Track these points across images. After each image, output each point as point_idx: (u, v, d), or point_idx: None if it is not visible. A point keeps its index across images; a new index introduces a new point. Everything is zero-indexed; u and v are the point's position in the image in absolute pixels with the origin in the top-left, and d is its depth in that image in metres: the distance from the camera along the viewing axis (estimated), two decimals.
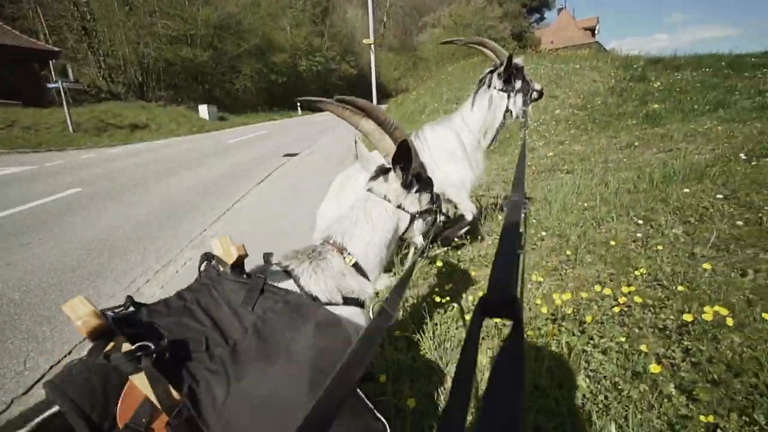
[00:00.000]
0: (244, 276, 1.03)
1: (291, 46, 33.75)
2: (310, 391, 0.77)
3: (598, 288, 2.11)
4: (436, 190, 1.56)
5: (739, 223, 2.32)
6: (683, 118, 5.75)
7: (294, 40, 34.41)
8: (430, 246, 2.87)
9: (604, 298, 2.05)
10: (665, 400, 1.51)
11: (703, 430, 1.36)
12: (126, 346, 0.72)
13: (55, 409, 0.69)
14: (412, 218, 1.48)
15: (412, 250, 2.92)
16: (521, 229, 0.78)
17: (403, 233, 1.50)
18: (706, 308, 1.68)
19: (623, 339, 1.76)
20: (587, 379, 1.65)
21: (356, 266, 1.31)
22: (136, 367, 0.70)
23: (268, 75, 31.18)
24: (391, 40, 49.21)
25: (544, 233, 2.99)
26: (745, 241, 2.18)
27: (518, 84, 2.68)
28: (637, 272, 2.12)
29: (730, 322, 1.65)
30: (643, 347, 1.66)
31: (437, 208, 1.56)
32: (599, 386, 1.61)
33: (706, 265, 1.98)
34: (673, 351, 1.68)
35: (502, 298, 0.51)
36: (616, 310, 1.84)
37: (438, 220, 1.60)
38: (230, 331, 0.86)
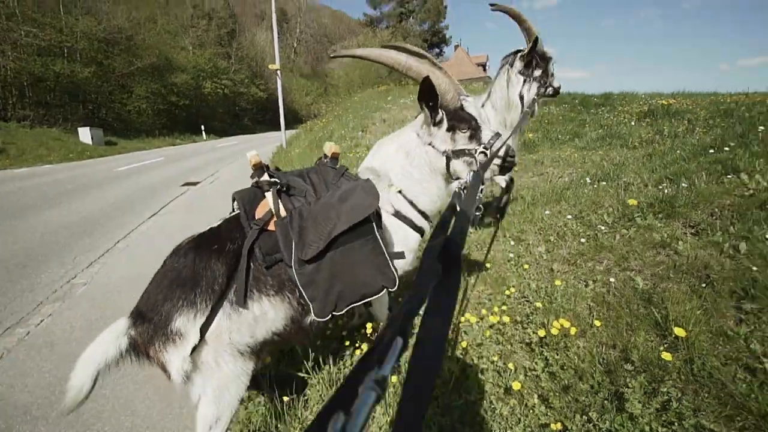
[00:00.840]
0: (336, 166, 1.67)
1: (194, 67, 31.70)
2: (347, 219, 1.39)
3: (484, 311, 2.29)
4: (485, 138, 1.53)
5: (583, 240, 2.76)
6: (551, 146, 6.75)
7: (197, 60, 32.42)
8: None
9: (483, 318, 2.23)
10: (530, 411, 1.68)
11: None
12: (265, 179, 1.47)
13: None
14: (448, 158, 1.59)
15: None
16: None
17: (447, 173, 1.63)
18: (554, 322, 1.92)
19: (497, 358, 1.92)
20: (465, 404, 1.75)
21: (403, 195, 1.72)
22: (268, 190, 1.45)
23: (167, 96, 28.67)
24: (302, 66, 49.54)
25: None
26: (587, 256, 2.59)
27: (537, 73, 2.55)
28: (508, 291, 2.36)
29: (573, 331, 1.91)
30: (510, 365, 1.83)
31: (484, 151, 1.50)
32: (476, 407, 1.72)
33: (558, 281, 2.29)
34: (536, 363, 1.89)
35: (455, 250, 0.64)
36: (487, 333, 2.00)
37: (480, 164, 1.46)
38: (320, 192, 1.54)
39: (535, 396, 1.73)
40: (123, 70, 25.33)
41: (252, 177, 1.51)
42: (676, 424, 1.45)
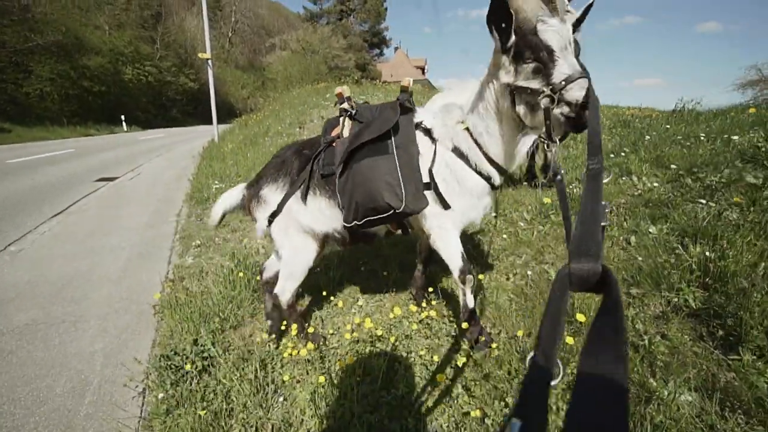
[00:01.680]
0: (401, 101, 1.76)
1: (111, 50, 28.36)
2: (366, 135, 1.70)
3: (413, 308, 2.34)
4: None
5: (505, 236, 2.96)
6: None
7: (114, 43, 29.07)
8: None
9: (412, 314, 2.29)
10: (454, 401, 1.75)
11: (476, 422, 1.61)
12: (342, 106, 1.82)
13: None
14: (512, 95, 1.35)
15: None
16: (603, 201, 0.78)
17: (516, 116, 1.39)
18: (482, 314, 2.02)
19: (424, 351, 1.98)
20: (394, 399, 1.78)
21: (470, 133, 1.63)
22: (345, 116, 1.81)
23: (78, 81, 25.29)
24: (238, 57, 46.88)
25: (366, 258, 3.19)
26: (508, 251, 2.78)
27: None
28: (440, 285, 2.45)
29: (494, 322, 2.04)
30: (435, 357, 1.89)
31: (550, 94, 1.17)
32: (404, 402, 1.75)
33: (481, 276, 2.43)
34: (461, 354, 1.98)
35: (592, 271, 0.45)
36: (414, 327, 2.05)
37: (546, 106, 1.19)
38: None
39: (459, 386, 1.81)
40: (17, 45, 21.86)
41: (334, 105, 1.95)
42: None
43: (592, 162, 0.76)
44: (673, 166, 3.12)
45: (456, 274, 1.89)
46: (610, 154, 4.01)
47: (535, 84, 1.24)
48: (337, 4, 35.45)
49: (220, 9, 48.58)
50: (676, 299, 1.93)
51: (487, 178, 1.68)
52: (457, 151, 1.69)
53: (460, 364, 1.87)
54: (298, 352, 1.99)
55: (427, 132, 1.79)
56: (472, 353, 1.86)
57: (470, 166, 1.67)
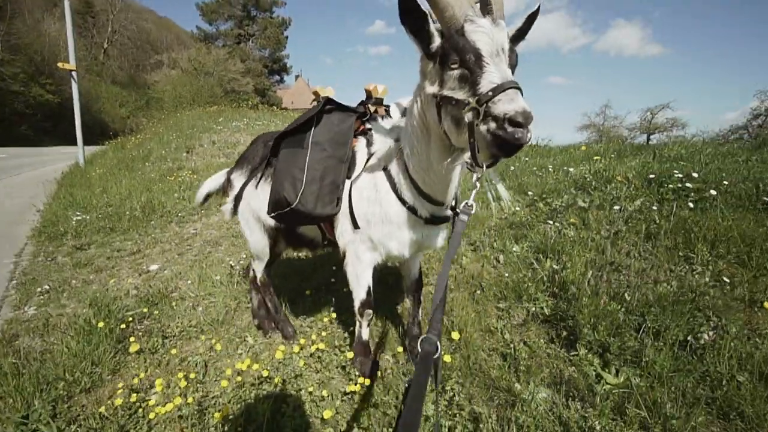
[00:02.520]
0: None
1: None
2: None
3: (303, 341, 2.25)
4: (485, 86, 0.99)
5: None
6: None
7: None
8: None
9: (303, 348, 2.20)
10: None
11: None
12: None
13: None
14: (438, 105, 1.16)
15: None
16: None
17: (444, 134, 1.20)
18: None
19: (313, 387, 1.90)
20: None
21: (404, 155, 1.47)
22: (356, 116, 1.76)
23: None
24: (116, 72, 41.53)
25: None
26: (395, 274, 2.92)
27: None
28: (326, 318, 2.42)
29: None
30: (325, 392, 1.84)
31: (476, 107, 0.99)
32: None
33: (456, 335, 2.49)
34: (350, 385, 1.96)
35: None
36: (301, 363, 1.98)
37: (470, 120, 1.01)
38: None
39: (347, 419, 1.78)
40: None
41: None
42: (458, 415, 1.72)
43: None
44: (530, 193, 3.72)
45: (356, 304, 1.86)
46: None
47: (460, 94, 1.07)
48: (235, 28, 34.30)
49: (92, 16, 42.75)
50: (533, 308, 2.24)
51: (411, 209, 1.51)
52: (387, 172, 1.55)
53: (348, 394, 1.85)
54: (167, 406, 1.73)
55: (369, 143, 1.69)
56: (359, 382, 1.85)
57: (395, 191, 1.53)
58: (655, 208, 2.83)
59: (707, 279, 2.10)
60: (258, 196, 2.04)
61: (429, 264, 3.01)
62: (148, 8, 55.94)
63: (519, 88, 0.98)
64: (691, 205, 2.73)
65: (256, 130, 10.05)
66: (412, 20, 1.09)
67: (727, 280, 2.07)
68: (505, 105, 0.94)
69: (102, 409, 1.83)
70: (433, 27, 1.11)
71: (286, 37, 36.28)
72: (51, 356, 2.27)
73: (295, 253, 3.55)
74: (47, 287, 3.49)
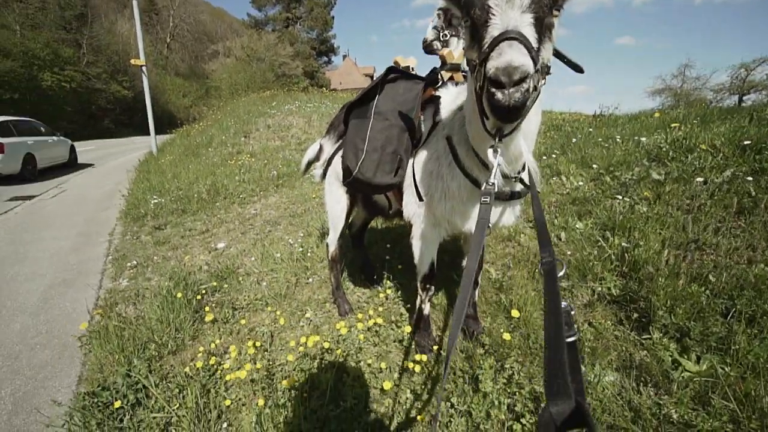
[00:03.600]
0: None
1: (24, 52, 25.56)
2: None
3: (360, 315, 2.33)
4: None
5: None
6: None
7: (28, 44, 26.24)
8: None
9: (361, 322, 2.28)
10: (402, 407, 1.77)
11: (423, 426, 1.63)
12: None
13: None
14: (473, 69, 1.01)
15: None
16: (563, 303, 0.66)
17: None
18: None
19: (372, 360, 1.98)
20: (343, 412, 1.75)
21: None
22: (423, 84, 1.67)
23: None
24: (178, 64, 44.45)
25: (309, 270, 3.14)
26: (450, 251, 2.88)
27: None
28: (381, 295, 2.47)
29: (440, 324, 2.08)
30: (383, 364, 1.90)
31: (478, 63, 0.92)
32: (353, 413, 1.73)
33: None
34: (408, 360, 2.00)
35: (566, 413, 0.49)
36: (361, 337, 2.05)
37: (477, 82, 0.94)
38: None
39: (408, 391, 1.83)
40: None
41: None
42: (517, 393, 1.69)
43: (544, 255, 0.73)
44: (594, 166, 3.43)
45: (419, 279, 1.86)
46: (542, 156, 4.30)
47: (473, 54, 0.98)
48: (283, 12, 34.90)
49: (156, 13, 45.82)
50: (600, 288, 2.10)
51: (475, 182, 1.40)
52: (450, 142, 1.44)
53: (408, 368, 1.90)
54: (239, 372, 1.90)
55: (436, 112, 1.59)
56: (418, 357, 1.88)
57: (457, 163, 1.43)
58: (750, 178, 2.47)
59: None
60: (340, 162, 2.08)
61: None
62: (203, 0, 58.58)
63: (515, 38, 0.84)
64: None
65: (307, 111, 10.30)
66: None
67: None
68: (491, 62, 0.84)
69: (186, 369, 2.06)
70: None
71: (332, 18, 36.20)
72: (143, 321, 2.58)
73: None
74: (135, 262, 3.94)
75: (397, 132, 1.63)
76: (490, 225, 1.48)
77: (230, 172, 6.87)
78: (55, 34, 29.95)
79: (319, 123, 9.24)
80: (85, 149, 17.32)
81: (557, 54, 1.05)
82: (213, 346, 2.27)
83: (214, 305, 2.80)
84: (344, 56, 44.95)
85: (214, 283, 3.05)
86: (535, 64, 0.85)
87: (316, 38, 36.11)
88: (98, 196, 7.36)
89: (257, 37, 27.67)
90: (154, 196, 6.15)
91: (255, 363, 2.05)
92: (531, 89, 0.85)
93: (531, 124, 1.18)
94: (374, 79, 1.84)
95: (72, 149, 11.43)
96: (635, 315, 1.87)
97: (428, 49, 2.65)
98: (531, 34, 0.88)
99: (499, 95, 0.84)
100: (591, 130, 4.81)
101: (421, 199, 1.61)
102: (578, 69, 1.09)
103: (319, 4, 35.28)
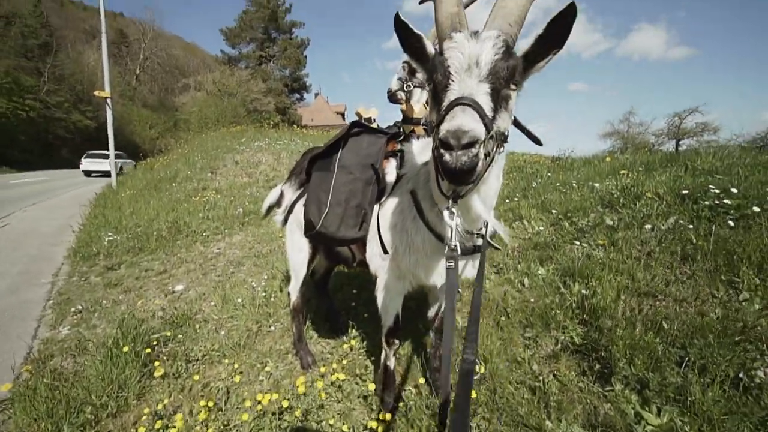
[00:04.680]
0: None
1: None
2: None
3: (323, 368, 2.22)
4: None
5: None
6: None
7: None
8: None
9: (324, 376, 2.17)
10: None
11: None
12: None
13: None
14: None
15: None
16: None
17: None
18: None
19: (334, 420, 1.86)
20: None
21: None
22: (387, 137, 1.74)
23: None
24: (146, 96, 43.84)
25: (272, 317, 3.01)
26: (416, 299, 2.86)
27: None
28: (346, 345, 2.38)
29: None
30: (345, 427, 1.79)
31: (434, 126, 0.97)
32: None
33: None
34: (371, 418, 1.90)
35: None
36: (322, 396, 1.94)
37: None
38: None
39: None
40: None
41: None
42: None
43: (468, 353, 0.79)
44: (554, 211, 3.60)
45: (383, 332, 1.80)
46: (506, 199, 4.48)
47: (433, 116, 1.04)
48: (257, 50, 35.70)
49: (126, 45, 45.59)
50: (563, 337, 2.13)
51: (439, 237, 1.39)
52: (414, 196, 1.44)
53: (369, 429, 1.79)
54: None
55: (400, 165, 1.61)
56: (381, 418, 1.79)
57: (421, 216, 1.42)
58: (690, 226, 2.67)
59: (756, 306, 1.94)
60: (302, 212, 2.07)
61: None
62: (176, 35, 59.13)
63: (468, 104, 0.90)
64: (731, 223, 2.55)
65: (276, 149, 10.30)
66: (410, 43, 1.08)
67: None
68: (443, 125, 0.89)
69: None
70: (430, 48, 1.07)
71: (306, 57, 37.39)
72: (81, 378, 2.32)
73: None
74: (80, 307, 3.62)
75: (361, 185, 1.64)
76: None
77: (194, 208, 6.64)
78: (14, 60, 28.92)
79: (288, 160, 9.24)
80: (36, 179, 16.27)
81: (518, 125, 1.12)
82: (161, 406, 2.06)
83: (165, 357, 2.59)
84: (316, 94, 46.13)
85: (168, 333, 2.83)
86: (488, 131, 0.89)
87: (289, 76, 36.98)
88: (48, 230, 6.84)
89: (230, 73, 27.95)
90: (110, 233, 5.80)
91: (207, 427, 1.87)
92: (481, 154, 0.89)
93: (490, 189, 1.20)
94: (339, 132, 1.87)
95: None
96: (597, 366, 1.90)
97: (392, 98, 2.78)
98: (486, 103, 0.93)
99: (447, 157, 0.88)
100: (550, 174, 5.10)
101: (386, 251, 1.60)
102: (537, 142, 1.16)
103: (293, 44, 36.48)
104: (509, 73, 0.98)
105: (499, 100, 0.97)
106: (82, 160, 19.00)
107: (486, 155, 0.91)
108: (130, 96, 40.66)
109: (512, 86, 0.99)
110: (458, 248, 1.05)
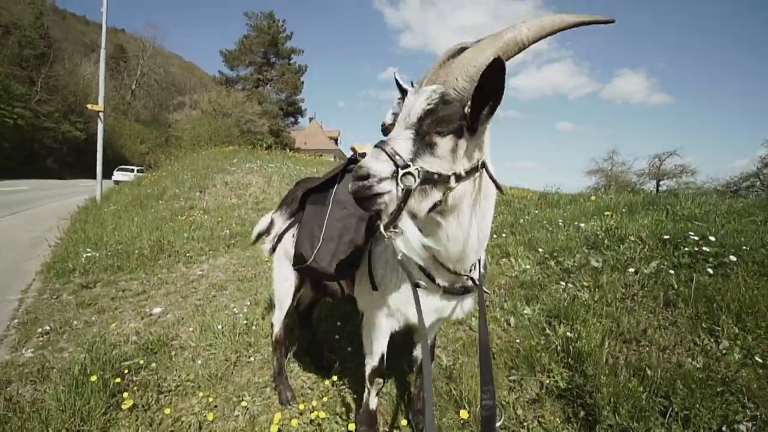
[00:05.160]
0: None
1: None
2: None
3: (302, 405, 2.13)
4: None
5: None
6: None
7: None
8: None
9: (302, 413, 2.08)
10: None
11: None
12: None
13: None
14: None
15: None
16: None
17: None
18: None
19: None
20: None
21: None
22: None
23: None
24: (140, 111, 43.89)
25: (252, 347, 2.92)
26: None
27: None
28: (327, 381, 2.30)
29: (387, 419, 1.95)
30: None
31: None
32: None
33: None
34: None
35: None
36: None
37: None
38: None
39: None
40: None
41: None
42: None
43: (485, 397, 0.85)
44: (540, 250, 3.64)
45: (367, 371, 1.75)
46: (494, 234, 4.53)
47: None
48: (254, 73, 36.45)
49: (125, 60, 46.01)
50: (548, 381, 2.10)
51: (429, 276, 1.41)
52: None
53: None
54: None
55: None
56: None
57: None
58: (672, 272, 2.73)
59: (737, 356, 1.97)
60: (292, 242, 2.05)
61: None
62: (175, 53, 60.08)
63: (380, 146, 1.07)
64: (710, 271, 2.62)
65: (268, 171, 10.30)
66: (403, 92, 1.25)
67: (760, 360, 1.93)
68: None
69: None
70: None
71: (302, 82, 38.28)
72: (39, 409, 2.17)
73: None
74: (48, 328, 3.44)
75: (355, 221, 1.65)
76: (444, 315, 1.51)
77: (179, 227, 6.51)
78: (7, 69, 28.83)
79: (279, 184, 9.23)
80: (17, 188, 15.83)
81: (479, 169, 1.18)
82: None
83: (136, 388, 2.45)
84: (311, 118, 46.91)
85: (141, 360, 2.70)
86: (397, 169, 1.02)
87: (285, 100, 37.66)
88: (23, 243, 6.59)
89: (226, 93, 28.33)
90: (88, 249, 5.61)
91: None
92: (381, 188, 1.03)
93: (460, 227, 1.23)
94: (335, 167, 1.89)
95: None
96: (582, 412, 1.87)
97: (386, 132, 2.86)
98: (405, 147, 1.06)
99: (350, 184, 1.06)
100: (537, 211, 5.20)
101: (375, 288, 1.59)
102: (498, 188, 1.22)
103: (291, 69, 37.41)
104: (436, 122, 1.08)
105: (423, 145, 1.08)
106: (114, 172, 22.57)
107: (405, 191, 1.03)
108: (123, 110, 40.67)
109: (438, 133, 1.08)
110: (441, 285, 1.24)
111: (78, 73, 38.11)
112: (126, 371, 2.55)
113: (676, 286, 2.58)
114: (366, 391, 1.83)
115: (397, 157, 1.03)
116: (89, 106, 10.55)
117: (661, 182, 28.20)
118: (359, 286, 1.72)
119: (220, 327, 3.16)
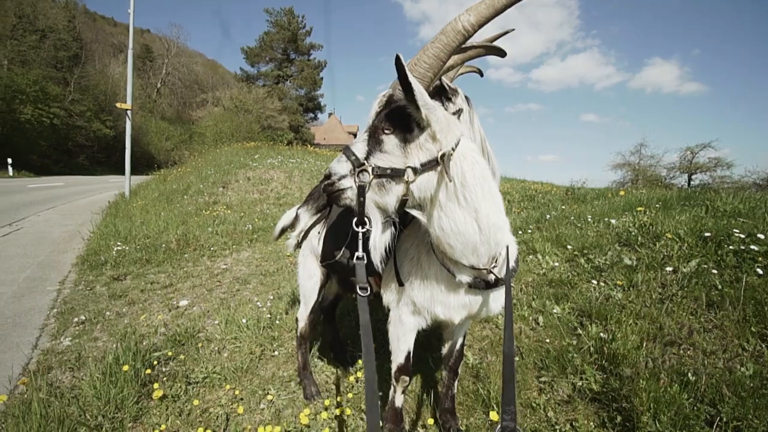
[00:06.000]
0: None
1: (7, 86, 25.36)
2: None
3: (327, 401, 2.13)
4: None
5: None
6: None
7: (14, 79, 26.14)
8: None
9: (327, 409, 2.07)
10: None
11: None
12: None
13: None
14: None
15: None
16: None
17: None
18: None
19: None
20: None
21: None
22: None
23: None
24: (165, 108, 45.19)
25: (276, 341, 2.93)
26: (426, 332, 2.77)
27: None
28: (352, 377, 2.29)
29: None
30: None
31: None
32: None
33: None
34: None
35: None
36: (327, 430, 1.85)
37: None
38: None
39: None
40: None
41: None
42: None
43: (506, 417, 0.88)
44: (569, 247, 3.51)
45: (393, 368, 1.73)
46: (519, 230, 4.41)
47: None
48: (275, 70, 36.87)
49: (151, 60, 47.40)
50: (580, 383, 2.02)
51: (450, 271, 1.39)
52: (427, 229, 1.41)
53: None
54: None
55: None
56: None
57: (434, 250, 1.41)
58: (715, 271, 2.57)
59: None
60: (318, 238, 2.10)
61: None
62: (198, 52, 61.44)
63: (342, 150, 1.26)
64: (759, 271, 2.45)
65: (289, 167, 10.41)
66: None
67: None
68: None
69: None
70: None
71: (322, 78, 38.46)
72: (78, 395, 2.25)
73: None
74: (83, 318, 3.58)
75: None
76: (473, 312, 1.47)
77: (204, 222, 6.67)
78: (44, 71, 30.18)
79: (300, 179, 9.31)
80: (53, 184, 16.61)
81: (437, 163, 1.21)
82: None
83: (165, 378, 2.51)
84: (330, 114, 47.19)
85: (169, 352, 2.77)
86: (354, 168, 1.20)
87: (305, 96, 37.95)
88: (58, 236, 6.90)
89: (247, 90, 28.77)
90: (119, 243, 5.82)
91: None
92: (343, 184, 1.23)
93: (446, 217, 1.24)
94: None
95: None
96: (618, 417, 1.78)
97: None
98: (361, 147, 1.23)
99: (322, 186, 1.29)
100: (563, 206, 5.03)
101: (401, 283, 1.56)
102: (449, 177, 1.20)
103: (310, 65, 37.63)
104: (381, 121, 1.22)
105: (375, 144, 1.22)
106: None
107: (360, 186, 1.19)
108: (149, 108, 41.95)
109: (385, 132, 1.21)
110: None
111: (107, 73, 39.51)
112: (155, 362, 2.61)
113: (720, 287, 2.43)
114: (392, 388, 1.80)
115: (353, 157, 1.20)
116: (118, 104, 10.89)
117: (693, 176, 26.69)
118: (385, 282, 1.69)
119: (244, 321, 3.20)
